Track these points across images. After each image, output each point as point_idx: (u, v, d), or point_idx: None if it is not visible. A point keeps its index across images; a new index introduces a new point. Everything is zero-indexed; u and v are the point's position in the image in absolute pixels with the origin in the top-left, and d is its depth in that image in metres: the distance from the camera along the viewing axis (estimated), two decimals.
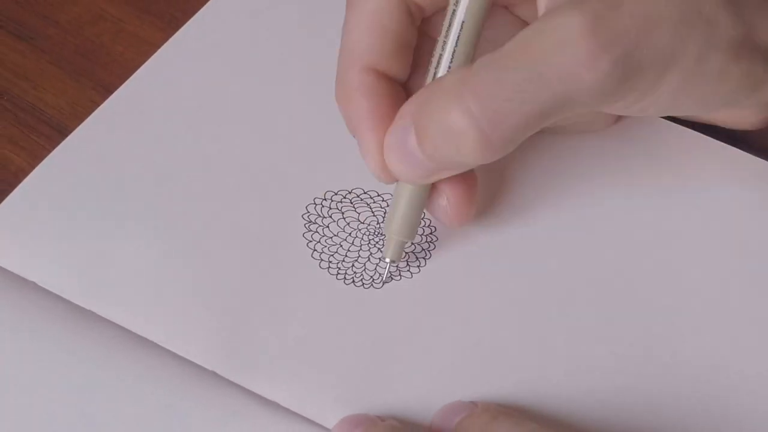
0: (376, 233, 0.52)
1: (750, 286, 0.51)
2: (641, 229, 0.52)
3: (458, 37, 0.48)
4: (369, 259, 0.51)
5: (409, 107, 0.47)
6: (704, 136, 0.53)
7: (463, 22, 0.47)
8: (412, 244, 0.50)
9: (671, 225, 0.52)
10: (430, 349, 0.49)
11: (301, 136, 0.54)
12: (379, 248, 0.51)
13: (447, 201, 0.48)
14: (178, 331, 0.49)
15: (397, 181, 0.49)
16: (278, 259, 0.51)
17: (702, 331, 0.49)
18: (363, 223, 0.52)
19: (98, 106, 0.54)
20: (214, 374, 0.47)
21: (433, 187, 0.48)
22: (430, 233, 0.52)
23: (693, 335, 0.49)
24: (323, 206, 0.52)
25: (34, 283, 0.49)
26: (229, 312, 0.49)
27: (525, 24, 0.50)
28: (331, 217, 0.51)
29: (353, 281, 0.50)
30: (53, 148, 0.53)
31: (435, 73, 0.48)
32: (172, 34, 0.56)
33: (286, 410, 0.47)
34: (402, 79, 0.49)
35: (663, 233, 0.52)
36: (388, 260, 0.50)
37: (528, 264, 0.51)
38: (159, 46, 0.56)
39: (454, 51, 0.47)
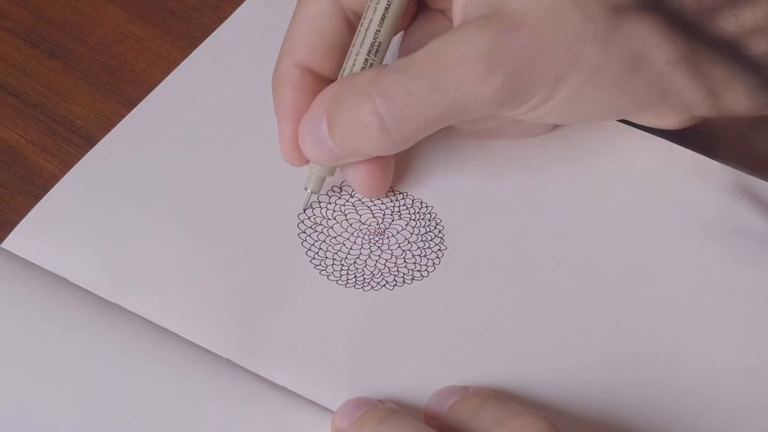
0: (377, 233, 0.53)
1: (718, 282, 0.51)
2: (614, 230, 0.53)
3: (367, 37, 0.51)
4: (369, 256, 0.52)
5: (323, 98, 0.49)
6: (667, 141, 0.54)
7: (370, 23, 0.50)
8: (421, 249, 0.52)
9: (642, 224, 0.53)
10: (427, 341, 0.50)
11: None
12: (378, 246, 0.53)
13: (358, 173, 0.52)
14: (196, 322, 0.50)
15: (305, 164, 0.52)
16: (286, 258, 0.53)
17: (671, 322, 0.51)
18: (365, 224, 0.54)
19: (123, 117, 0.56)
20: (229, 361, 0.49)
21: None
22: (440, 242, 0.54)
23: (666, 327, 0.50)
24: (327, 208, 0.53)
25: (65, 279, 0.51)
26: (242, 305, 0.51)
27: (449, 22, 0.53)
28: (335, 218, 0.53)
29: (356, 280, 0.52)
30: (82, 155, 0.55)
31: (348, 70, 0.51)
32: (190, 52, 0.58)
33: (294, 394, 0.49)
34: (332, 77, 0.51)
35: (637, 233, 0.53)
36: (308, 190, 0.52)
37: (520, 267, 0.52)
38: (178, 63, 0.57)
39: (367, 46, 0.51)
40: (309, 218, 0.53)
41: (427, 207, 0.55)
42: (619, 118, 0.53)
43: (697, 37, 0.31)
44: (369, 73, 0.49)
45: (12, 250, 0.52)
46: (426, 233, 0.54)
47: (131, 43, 0.60)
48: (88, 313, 0.50)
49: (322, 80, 0.51)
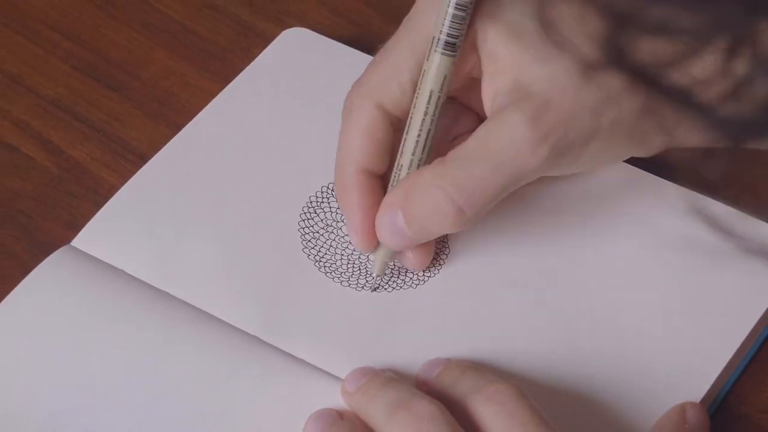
0: None
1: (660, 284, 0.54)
2: (590, 240, 0.55)
3: (418, 139, 0.52)
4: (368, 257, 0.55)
5: (393, 197, 0.52)
6: (630, 166, 0.56)
7: (421, 127, 0.52)
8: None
9: (605, 243, 0.55)
10: (419, 321, 0.53)
11: (329, 165, 0.56)
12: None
13: (411, 254, 0.53)
14: (229, 305, 0.53)
15: (374, 248, 0.53)
16: (307, 257, 0.55)
17: (630, 314, 0.53)
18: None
19: (169, 139, 0.59)
20: (256, 338, 0.52)
21: None
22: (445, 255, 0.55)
23: (623, 319, 0.53)
24: (339, 212, 0.56)
25: (123, 271, 0.54)
26: (267, 293, 0.54)
27: (467, 109, 0.55)
28: (341, 222, 0.56)
29: (360, 278, 0.55)
30: (136, 170, 0.58)
31: (401, 169, 0.52)
32: (225, 86, 0.60)
33: (310, 365, 0.52)
34: (383, 172, 0.53)
35: (607, 244, 0.55)
36: (375, 275, 0.54)
37: (514, 271, 0.54)
38: (214, 95, 0.60)
39: (417, 148, 0.52)
40: (375, 287, 0.54)
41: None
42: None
43: (655, 87, 0.31)
44: (433, 168, 0.51)
45: (80, 248, 0.55)
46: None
47: (176, 79, 0.62)
48: (141, 297, 0.54)
49: (377, 177, 0.53)
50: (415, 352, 0.52)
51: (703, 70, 0.30)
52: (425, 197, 0.51)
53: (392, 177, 0.53)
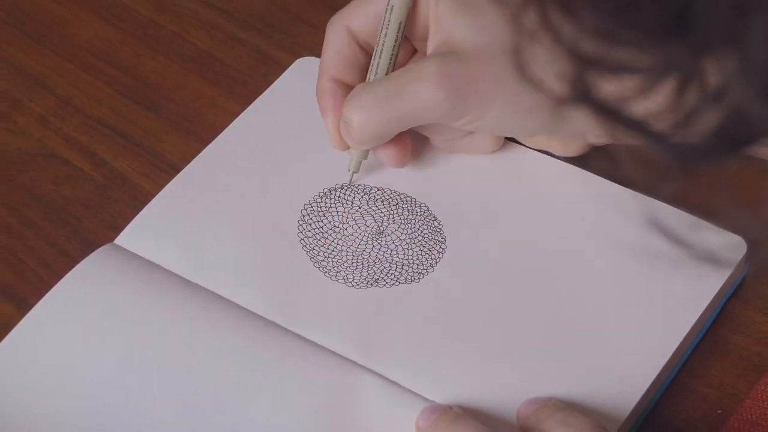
0: (377, 233, 0.56)
1: (609, 271, 0.55)
2: (541, 235, 0.57)
3: (379, 59, 0.57)
4: (370, 255, 0.56)
5: (344, 107, 0.56)
6: (574, 167, 0.57)
7: (381, 49, 0.57)
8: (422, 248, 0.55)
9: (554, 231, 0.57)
10: (419, 311, 0.55)
11: (341, 172, 0.58)
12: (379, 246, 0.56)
13: (381, 152, 0.57)
14: (251, 295, 0.55)
15: (347, 149, 0.57)
16: (320, 253, 0.57)
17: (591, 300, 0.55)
18: (368, 226, 0.57)
19: (199, 153, 0.60)
20: (274, 323, 0.54)
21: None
22: (442, 241, 0.56)
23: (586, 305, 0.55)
24: (349, 215, 0.57)
25: (158, 265, 0.56)
26: (284, 284, 0.56)
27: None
28: (344, 224, 0.57)
29: (353, 278, 0.56)
30: (170, 179, 0.60)
31: (369, 77, 0.57)
32: (246, 107, 0.62)
33: (322, 347, 0.53)
34: (354, 83, 0.57)
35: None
36: (351, 170, 0.57)
37: (503, 267, 0.56)
38: (237, 115, 0.62)
39: (378, 66, 0.57)
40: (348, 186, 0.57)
41: (428, 209, 0.58)
42: (533, 136, 0.58)
43: (616, 119, 0.32)
44: (358, 87, 0.56)
45: (121, 245, 0.57)
46: (427, 234, 0.57)
47: (204, 100, 0.64)
48: (173, 287, 0.55)
49: (348, 87, 0.57)
50: (411, 338, 0.53)
51: (657, 103, 0.31)
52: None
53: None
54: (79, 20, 0.67)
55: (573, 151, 0.58)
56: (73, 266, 0.56)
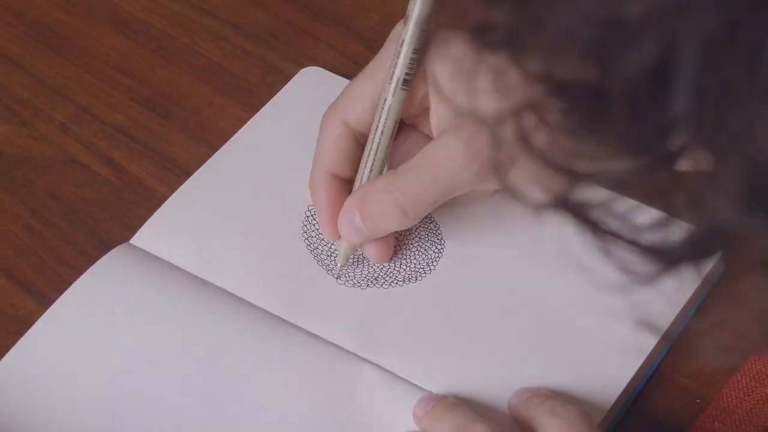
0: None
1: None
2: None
3: (375, 154, 0.56)
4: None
5: (353, 198, 0.55)
6: None
7: (378, 144, 0.56)
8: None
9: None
10: (417, 307, 0.56)
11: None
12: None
13: (374, 247, 0.56)
14: (259, 291, 0.56)
15: (338, 238, 0.56)
16: (323, 252, 0.58)
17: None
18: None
19: (209, 158, 0.62)
20: (279, 317, 0.55)
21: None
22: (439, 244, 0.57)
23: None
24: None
25: (171, 263, 0.57)
26: (289, 281, 0.57)
27: (419, 133, 0.58)
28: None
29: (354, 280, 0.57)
30: (182, 183, 0.61)
31: (362, 177, 0.56)
32: (254, 114, 0.63)
33: (324, 340, 0.55)
34: (349, 178, 0.57)
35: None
36: (339, 265, 0.56)
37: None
38: (245, 122, 0.63)
39: (374, 160, 0.56)
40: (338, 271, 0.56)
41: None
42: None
43: (590, 223, 0.31)
44: (386, 177, 0.55)
45: (136, 245, 0.58)
46: (424, 235, 0.58)
47: (214, 108, 0.65)
48: (185, 284, 0.57)
49: (343, 180, 0.56)
50: (409, 332, 0.55)
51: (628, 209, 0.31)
52: (378, 200, 0.54)
53: (355, 183, 0.56)
54: (96, 33, 0.68)
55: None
56: (91, 265, 0.58)
